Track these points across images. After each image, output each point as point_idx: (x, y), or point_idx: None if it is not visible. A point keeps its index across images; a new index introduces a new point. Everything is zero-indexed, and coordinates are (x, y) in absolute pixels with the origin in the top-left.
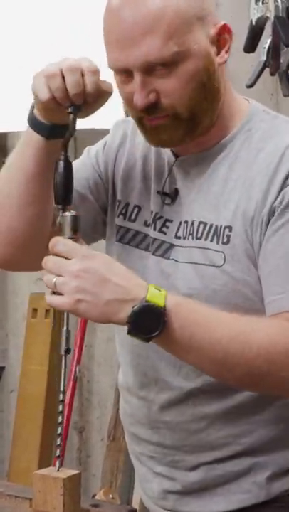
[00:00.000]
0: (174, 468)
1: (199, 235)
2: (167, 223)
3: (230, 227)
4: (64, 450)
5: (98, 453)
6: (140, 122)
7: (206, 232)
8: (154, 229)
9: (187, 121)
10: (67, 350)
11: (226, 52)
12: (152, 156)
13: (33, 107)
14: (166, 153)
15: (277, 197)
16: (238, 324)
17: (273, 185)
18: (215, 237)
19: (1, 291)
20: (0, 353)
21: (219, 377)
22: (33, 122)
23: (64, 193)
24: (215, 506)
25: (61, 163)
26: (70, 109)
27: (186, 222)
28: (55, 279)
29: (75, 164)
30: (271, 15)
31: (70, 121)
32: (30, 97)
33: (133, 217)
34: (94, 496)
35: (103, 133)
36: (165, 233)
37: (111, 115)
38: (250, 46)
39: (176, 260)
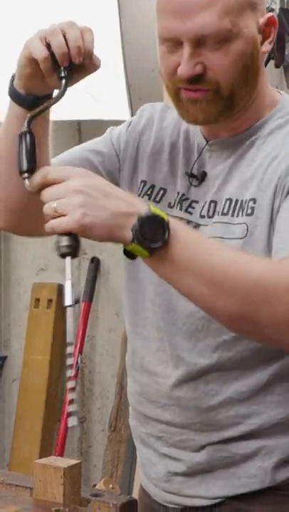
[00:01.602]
0: (181, 449)
1: (225, 211)
2: (193, 204)
3: (254, 200)
4: (65, 440)
5: (99, 443)
6: (177, 96)
7: (232, 207)
8: (180, 209)
9: (226, 100)
10: (77, 301)
11: (270, 43)
12: (180, 139)
13: (12, 79)
14: (196, 137)
15: None
16: (239, 253)
17: None
18: (240, 210)
19: (4, 281)
20: (2, 342)
21: (212, 306)
22: (14, 94)
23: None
24: (219, 491)
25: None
26: (62, 73)
27: (211, 201)
28: (55, 204)
29: (95, 140)
30: (276, 7)
31: (61, 86)
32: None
33: (158, 198)
34: (94, 486)
35: (107, 124)
36: (191, 213)
37: (115, 107)
38: None
39: None
